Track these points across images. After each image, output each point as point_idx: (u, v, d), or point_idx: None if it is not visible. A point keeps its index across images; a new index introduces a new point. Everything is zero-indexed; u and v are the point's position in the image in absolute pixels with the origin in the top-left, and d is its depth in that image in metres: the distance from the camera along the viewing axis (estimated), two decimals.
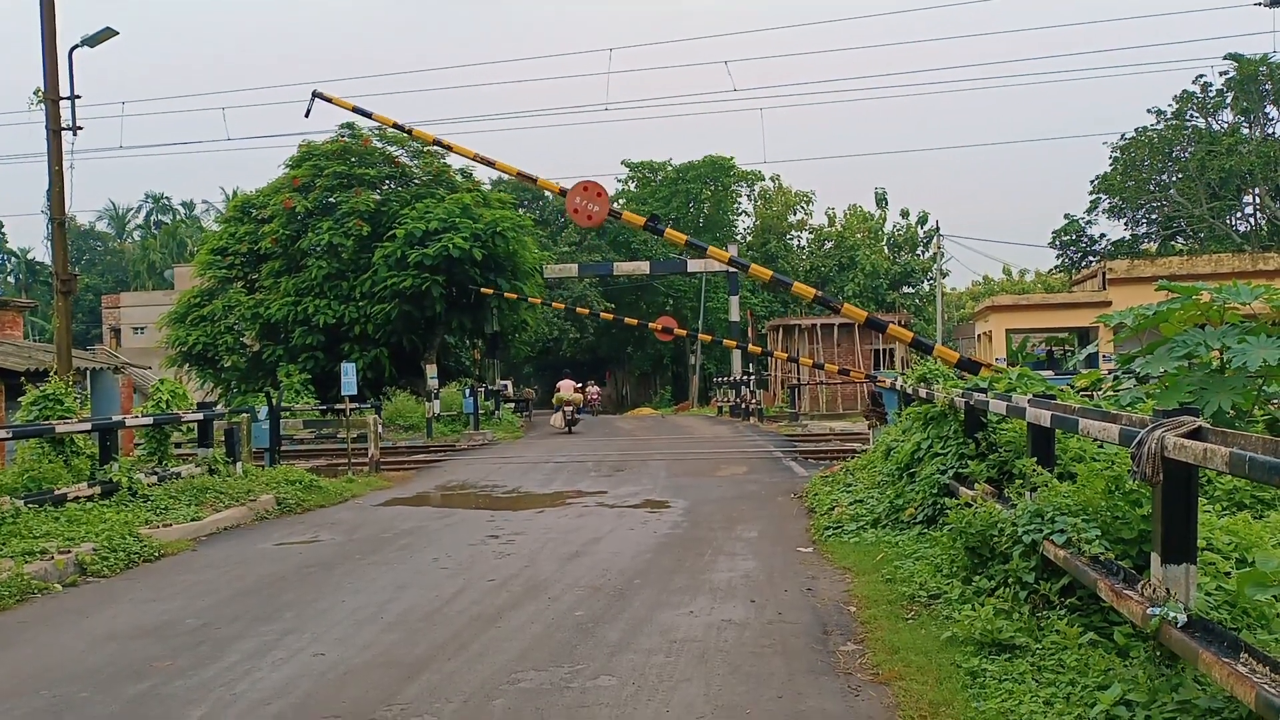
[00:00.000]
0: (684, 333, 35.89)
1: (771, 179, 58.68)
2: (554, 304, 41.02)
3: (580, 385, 32.85)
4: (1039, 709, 4.48)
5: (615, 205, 19.66)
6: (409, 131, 26.38)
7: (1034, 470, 6.41)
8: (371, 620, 6.90)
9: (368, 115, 25.89)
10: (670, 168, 56.87)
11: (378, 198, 32.12)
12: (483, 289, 30.94)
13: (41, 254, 75.24)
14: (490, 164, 24.63)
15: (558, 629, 6.54)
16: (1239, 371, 7.40)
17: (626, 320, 34.98)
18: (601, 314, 39.79)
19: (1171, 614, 4.16)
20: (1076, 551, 5.27)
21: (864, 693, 5.15)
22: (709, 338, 35.02)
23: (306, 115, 26.07)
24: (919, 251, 56.33)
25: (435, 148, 33.25)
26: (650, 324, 32.30)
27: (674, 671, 5.57)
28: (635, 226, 20.40)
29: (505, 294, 31.49)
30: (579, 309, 42.31)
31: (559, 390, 30.21)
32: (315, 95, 25.13)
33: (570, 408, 29.26)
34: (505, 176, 52.07)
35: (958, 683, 5.06)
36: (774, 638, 6.22)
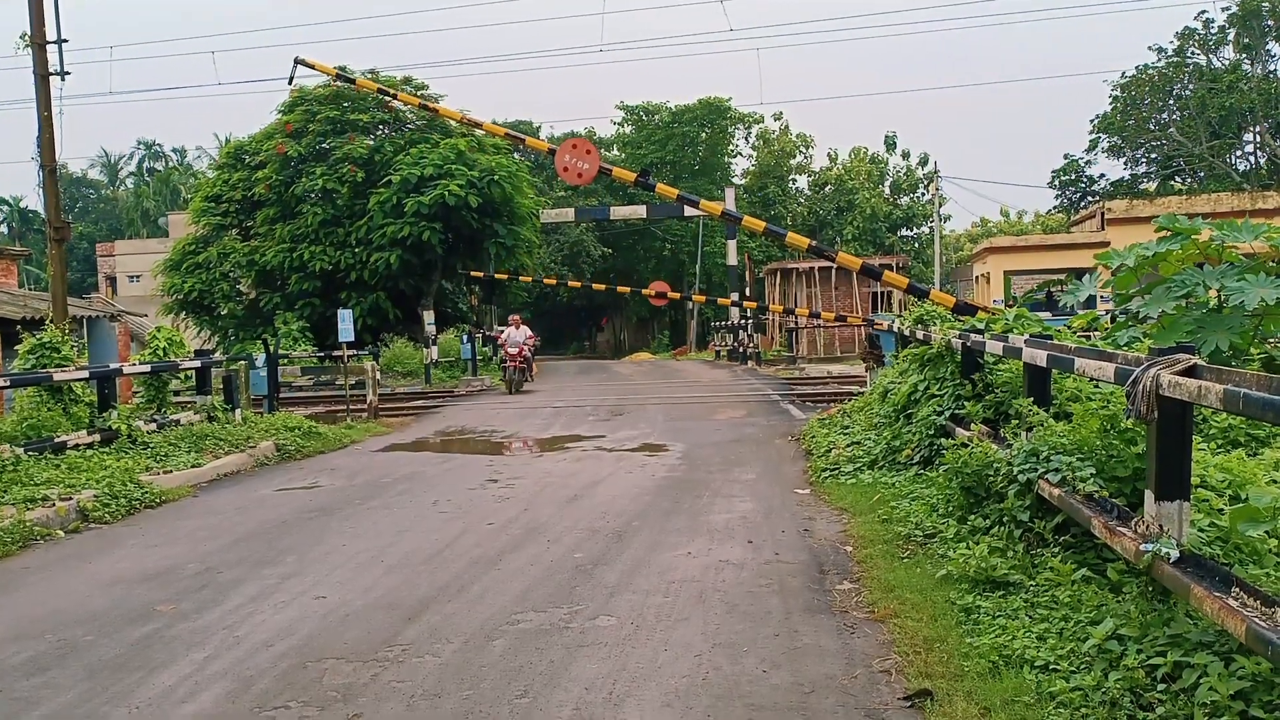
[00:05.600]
0: (677, 296, 35.90)
1: (774, 117, 58.06)
2: (546, 280, 40.67)
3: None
4: (1032, 644, 4.54)
5: (605, 162, 19.42)
6: (394, 96, 26.29)
7: (1030, 410, 6.43)
8: (372, 563, 6.96)
9: (350, 81, 25.72)
10: (666, 110, 56.23)
11: (371, 143, 31.84)
12: (481, 236, 30.96)
13: (34, 202, 74.70)
14: (476, 125, 24.57)
15: (557, 571, 6.60)
16: (1236, 310, 7.40)
17: (619, 288, 34.95)
18: (594, 285, 39.56)
19: (1164, 550, 4.19)
20: (1071, 490, 5.31)
21: (860, 630, 5.22)
22: (703, 298, 35.01)
23: (290, 81, 26.02)
24: (919, 194, 55.97)
25: (426, 97, 33.03)
26: (644, 290, 32.31)
27: (672, 611, 5.63)
28: (627, 182, 20.32)
29: (502, 240, 31.42)
30: (571, 283, 42.53)
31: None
32: (297, 61, 24.98)
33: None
34: (501, 120, 51.51)
35: (952, 619, 5.12)
36: (771, 577, 6.28)
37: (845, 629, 5.25)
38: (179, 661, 5.04)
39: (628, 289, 34.37)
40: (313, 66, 24.99)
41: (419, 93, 33.03)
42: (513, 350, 23.81)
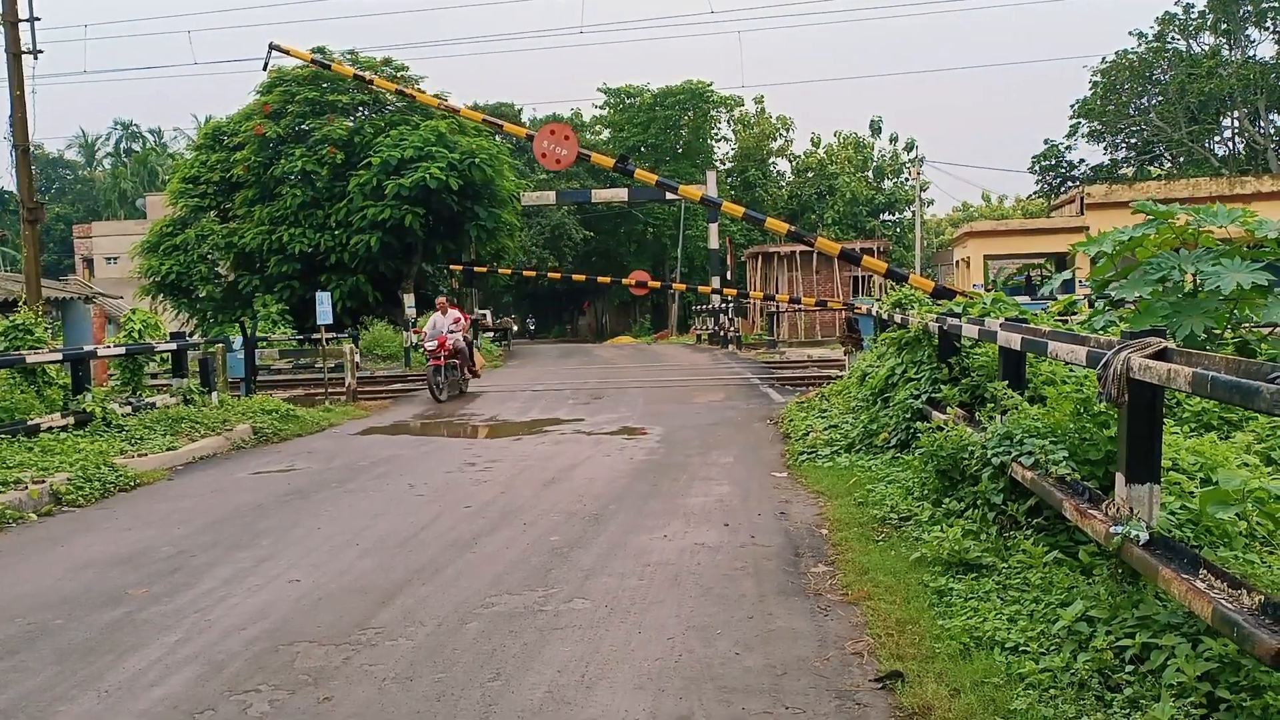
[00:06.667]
0: (657, 285, 35.64)
1: (755, 100, 57.98)
2: (525, 271, 39.71)
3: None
4: (1002, 625, 4.56)
5: (583, 147, 19.07)
6: (369, 82, 25.87)
7: (1005, 393, 6.46)
8: (347, 547, 6.93)
9: (326, 66, 25.41)
10: (648, 94, 56.02)
11: (351, 124, 31.66)
12: (461, 219, 30.78)
13: (7, 182, 73.87)
14: (454, 111, 24.31)
15: (533, 554, 6.59)
16: (1211, 295, 7.43)
17: (600, 279, 34.73)
18: (573, 275, 39.24)
19: (1134, 532, 4.21)
20: (1044, 473, 5.33)
21: (833, 612, 5.23)
22: (683, 287, 34.77)
23: (265, 67, 25.55)
24: (902, 178, 56.02)
25: (405, 80, 32.74)
26: (624, 280, 32.16)
27: (647, 594, 5.63)
28: (605, 167, 20.14)
29: (482, 222, 31.26)
30: (551, 273, 42.00)
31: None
32: (272, 47, 24.31)
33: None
34: (482, 102, 50.97)
35: (925, 601, 5.14)
36: (746, 560, 6.29)
37: (819, 611, 5.26)
38: (150, 645, 5.01)
39: (608, 279, 34.18)
40: (288, 52, 24.51)
41: (398, 74, 32.77)
42: (431, 345, 17.25)
